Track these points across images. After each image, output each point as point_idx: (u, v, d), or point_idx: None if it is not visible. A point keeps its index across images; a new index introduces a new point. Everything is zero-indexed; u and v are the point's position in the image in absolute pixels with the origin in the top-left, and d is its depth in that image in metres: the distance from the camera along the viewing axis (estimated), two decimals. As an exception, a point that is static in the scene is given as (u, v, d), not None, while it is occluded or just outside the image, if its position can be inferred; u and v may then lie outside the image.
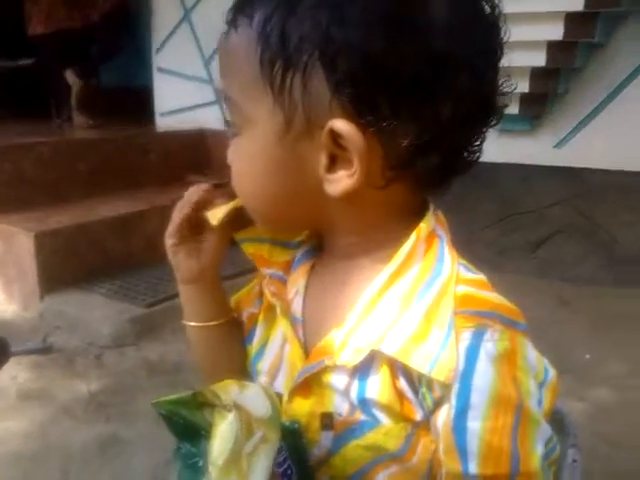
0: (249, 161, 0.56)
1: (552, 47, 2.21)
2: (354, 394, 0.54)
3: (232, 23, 0.53)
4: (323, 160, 0.51)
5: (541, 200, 2.63)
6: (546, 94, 2.41)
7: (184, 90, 3.64)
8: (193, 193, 0.65)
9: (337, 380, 0.55)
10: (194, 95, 3.60)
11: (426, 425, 0.53)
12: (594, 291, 2.51)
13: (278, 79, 0.49)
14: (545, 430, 0.51)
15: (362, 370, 0.53)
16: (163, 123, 3.77)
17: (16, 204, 2.62)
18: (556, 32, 2.16)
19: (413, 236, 0.54)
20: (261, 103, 0.51)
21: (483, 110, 0.51)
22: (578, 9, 2.08)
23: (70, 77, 3.64)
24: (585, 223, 2.60)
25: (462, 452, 0.50)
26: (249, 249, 0.65)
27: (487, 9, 0.50)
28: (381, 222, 0.56)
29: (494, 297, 0.54)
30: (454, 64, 0.48)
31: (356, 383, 0.54)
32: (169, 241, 0.67)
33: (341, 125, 0.48)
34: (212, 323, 0.69)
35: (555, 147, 2.56)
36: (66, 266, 2.46)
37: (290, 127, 0.50)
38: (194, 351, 0.75)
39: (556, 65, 2.26)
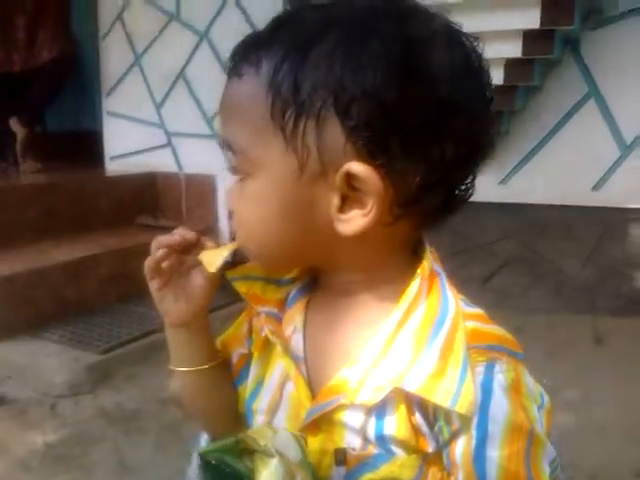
0: (259, 204, 0.56)
1: (494, 91, 2.34)
2: (372, 431, 0.56)
3: (235, 72, 0.55)
4: (335, 201, 0.53)
5: (489, 234, 2.75)
6: (490, 135, 2.55)
7: (134, 134, 3.64)
8: (171, 237, 0.65)
9: (352, 418, 0.56)
10: (145, 139, 3.60)
11: (435, 457, 0.55)
12: (545, 319, 2.61)
13: (290, 125, 0.51)
14: (550, 451, 0.55)
15: (379, 408, 0.55)
16: (113, 167, 3.74)
17: (-37, 251, 2.54)
18: (497, 77, 2.30)
19: (418, 274, 0.57)
20: (272, 148, 0.53)
21: (479, 149, 0.56)
22: (517, 55, 2.22)
23: (14, 125, 3.57)
24: (531, 255, 2.72)
25: (481, 479, 0.52)
26: (242, 288, 0.66)
27: (476, 58, 0.54)
28: (384, 259, 0.59)
29: (497, 330, 0.58)
30: (456, 108, 0.52)
31: (373, 421, 0.56)
32: (152, 285, 0.66)
33: (358, 168, 0.51)
34: (203, 367, 0.69)
35: (500, 184, 2.69)
36: (18, 313, 2.38)
37: (303, 170, 0.53)
38: (183, 396, 0.74)
39: (498, 108, 2.40)
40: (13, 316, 2.37)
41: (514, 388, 0.54)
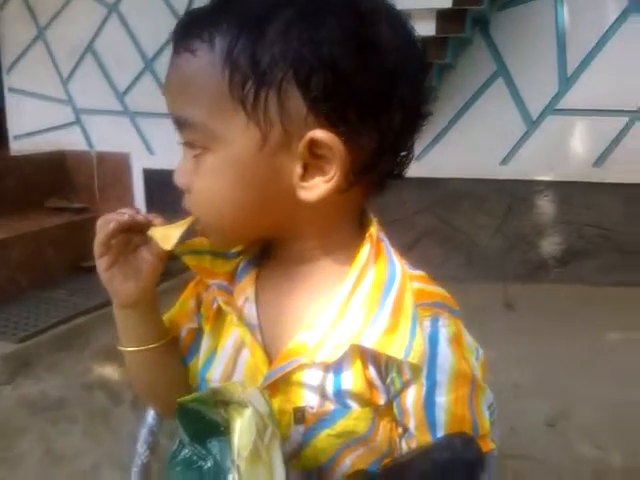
0: (221, 177, 0.57)
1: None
2: (330, 387, 0.59)
3: (184, 48, 0.56)
4: (298, 169, 0.56)
5: (406, 208, 2.85)
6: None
7: (40, 111, 3.45)
8: (121, 214, 0.64)
9: (310, 376, 0.60)
10: (52, 116, 3.42)
11: (386, 409, 0.60)
12: (459, 288, 2.74)
13: (250, 98, 0.53)
14: (489, 396, 0.62)
15: (336, 365, 0.59)
16: (18, 146, 3.53)
17: None
18: (412, 55, 2.37)
19: (367, 240, 0.61)
20: (232, 121, 0.55)
21: (420, 116, 0.60)
22: (431, 34, 2.30)
23: None
24: (445, 228, 2.85)
25: (432, 424, 0.58)
26: (191, 262, 0.67)
27: (413, 32, 0.58)
28: (337, 226, 0.62)
29: (439, 290, 0.63)
30: (402, 78, 0.56)
31: (331, 377, 0.59)
32: (100, 264, 0.65)
33: (322, 135, 0.54)
34: (153, 345, 0.69)
35: (414, 160, 2.78)
36: None
37: (266, 141, 0.55)
38: (131, 374, 0.75)
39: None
40: None
41: (456, 341, 0.59)
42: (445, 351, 0.58)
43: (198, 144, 0.57)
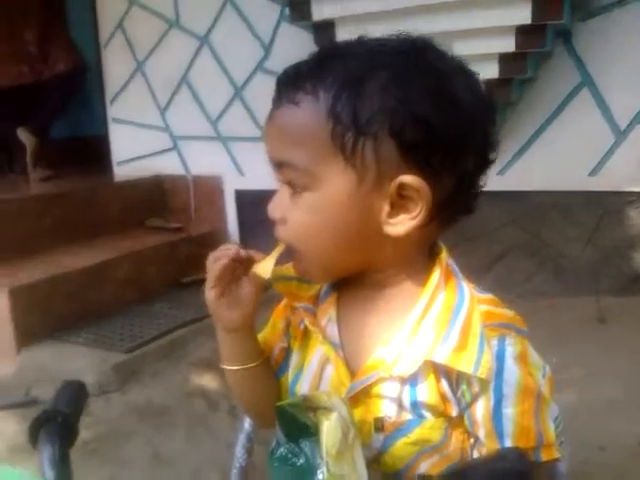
0: (316, 213, 0.66)
1: (489, 84, 2.43)
2: (407, 399, 0.67)
3: (289, 99, 0.65)
4: (386, 207, 0.64)
5: (491, 223, 2.83)
6: (488, 126, 2.64)
7: (141, 138, 3.72)
8: (228, 250, 0.73)
9: (389, 389, 0.67)
10: (151, 143, 3.69)
11: (458, 420, 0.67)
12: (548, 303, 2.71)
13: (349, 146, 0.62)
14: (554, 410, 0.68)
15: (411, 379, 0.66)
16: (121, 171, 3.83)
17: (-15, 261, 2.63)
18: (492, 70, 2.38)
19: (437, 267, 0.69)
20: (331, 165, 0.63)
21: (489, 161, 0.68)
22: (511, 50, 2.31)
23: (22, 135, 3.65)
24: (533, 241, 2.81)
25: (500, 434, 0.64)
26: (280, 287, 0.77)
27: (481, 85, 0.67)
28: (414, 255, 0.70)
29: (506, 312, 0.69)
30: (476, 126, 0.65)
31: (407, 389, 0.67)
32: (210, 294, 0.73)
33: (410, 179, 0.63)
34: (251, 365, 0.78)
35: (498, 174, 2.78)
36: (41, 318, 2.47)
37: (361, 183, 0.64)
38: (233, 389, 0.84)
39: (494, 100, 2.49)
40: (37, 322, 2.47)
41: (522, 358, 0.65)
42: (511, 367, 0.64)
43: (297, 183, 0.66)
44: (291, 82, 0.65)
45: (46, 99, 3.78)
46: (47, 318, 2.50)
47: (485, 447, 0.65)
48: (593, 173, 2.63)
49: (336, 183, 0.64)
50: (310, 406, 0.64)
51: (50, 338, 2.46)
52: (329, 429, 0.61)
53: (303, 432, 0.64)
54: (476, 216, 2.69)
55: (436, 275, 0.68)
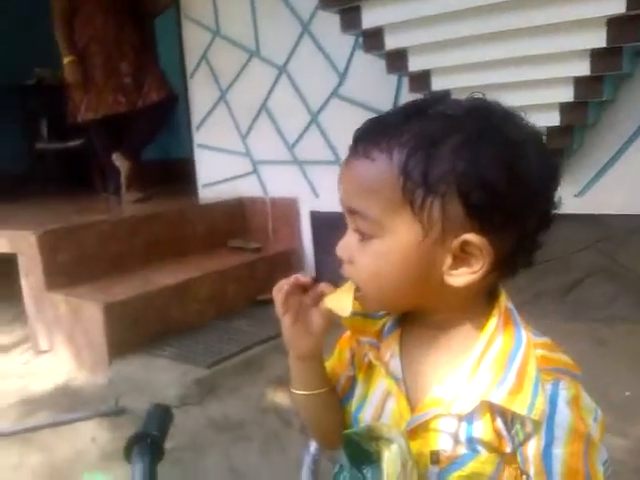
0: (383, 260, 0.71)
1: (565, 108, 2.41)
2: (463, 434, 0.71)
3: (365, 154, 0.70)
4: (448, 260, 0.69)
5: (568, 247, 2.78)
6: (562, 149, 2.60)
7: (223, 163, 3.93)
8: (289, 280, 0.80)
9: (446, 425, 0.72)
10: (233, 167, 3.88)
11: (511, 457, 0.71)
12: (628, 329, 2.62)
13: (419, 202, 0.67)
14: (603, 454, 0.70)
15: (468, 416, 0.71)
16: (205, 194, 4.05)
17: (81, 278, 2.87)
18: (567, 94, 2.37)
19: (496, 311, 0.74)
20: (400, 218, 0.69)
21: (551, 219, 0.73)
22: (586, 73, 2.29)
23: (118, 160, 3.96)
24: (612, 265, 2.73)
25: (549, 473, 0.68)
26: (347, 322, 0.83)
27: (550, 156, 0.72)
28: (474, 301, 0.75)
29: (561, 356, 0.73)
30: (540, 195, 0.70)
31: (464, 426, 0.71)
32: (285, 320, 0.79)
33: (474, 238, 0.68)
34: (319, 391, 0.85)
35: (576, 196, 2.73)
36: (131, 333, 2.67)
37: (427, 236, 0.68)
38: (300, 412, 0.91)
39: (570, 123, 2.46)
40: (127, 336, 2.67)
41: (574, 402, 0.69)
42: (563, 410, 0.68)
43: (366, 231, 0.71)
44: (370, 136, 0.70)
45: (139, 127, 4.07)
46: (136, 332, 2.69)
47: None
48: (676, 196, 2.54)
49: (403, 234, 0.69)
50: (373, 436, 0.70)
51: (138, 351, 2.65)
52: (390, 459, 0.68)
53: (366, 459, 0.70)
54: (553, 239, 2.67)
55: (494, 319, 0.73)
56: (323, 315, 0.79)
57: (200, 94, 3.99)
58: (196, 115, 4.04)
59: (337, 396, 0.88)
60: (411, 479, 0.67)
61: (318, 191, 3.52)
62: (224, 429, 2.18)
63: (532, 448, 0.68)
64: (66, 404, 2.44)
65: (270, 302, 0.81)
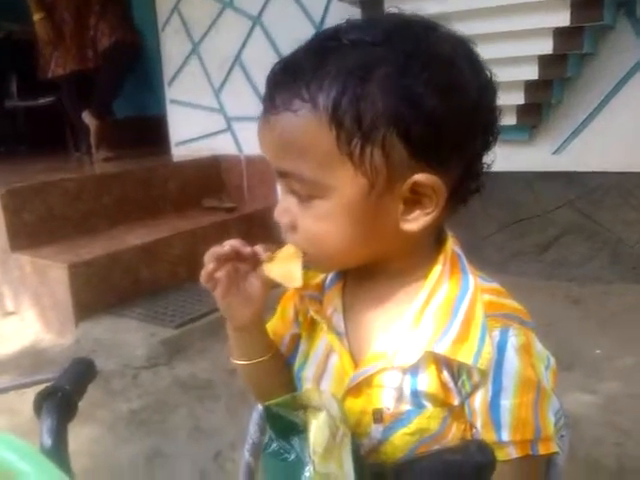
0: (332, 221, 0.64)
1: (543, 61, 2.34)
2: (407, 388, 0.66)
3: (286, 105, 0.60)
4: (400, 206, 0.63)
5: (545, 204, 2.74)
6: (541, 104, 2.53)
7: (196, 120, 3.81)
8: (221, 247, 0.70)
9: (390, 379, 0.67)
10: (206, 124, 3.77)
11: (459, 410, 0.66)
12: (602, 289, 2.61)
13: (357, 152, 0.59)
14: (555, 403, 0.66)
15: (412, 368, 0.66)
16: (178, 152, 3.94)
17: (47, 238, 2.79)
18: (546, 47, 2.28)
19: (441, 257, 0.68)
20: (340, 173, 0.61)
21: (497, 135, 0.66)
22: (566, 24, 2.20)
23: (87, 118, 3.82)
24: (589, 224, 2.70)
25: (497, 425, 0.64)
26: None
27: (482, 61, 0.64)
28: (421, 245, 0.69)
29: (510, 302, 0.68)
30: (481, 109, 0.63)
31: (408, 378, 0.66)
32: (217, 294, 0.71)
33: (424, 178, 0.61)
34: (262, 359, 0.78)
35: (554, 154, 2.68)
36: (98, 294, 2.61)
37: (373, 187, 0.61)
38: (246, 381, 0.84)
39: (548, 77, 2.39)
40: (93, 297, 2.61)
41: (524, 349, 0.64)
42: (512, 358, 0.63)
43: (305, 193, 0.64)
44: (286, 83, 0.61)
45: (99, 80, 3.91)
46: (104, 293, 2.63)
47: (482, 437, 0.65)
48: (655, 153, 2.49)
49: (346, 189, 0.62)
50: (301, 404, 0.65)
51: (106, 312, 2.59)
52: (317, 428, 0.62)
53: (293, 430, 0.65)
54: (530, 197, 2.65)
55: (439, 266, 0.67)
56: (262, 282, 0.72)
57: (172, 47, 3.84)
58: (168, 69, 3.90)
59: (282, 359, 0.82)
60: (342, 448, 0.62)
61: (294, 149, 3.43)
62: (191, 389, 2.15)
63: (479, 399, 0.64)
64: (32, 366, 2.39)
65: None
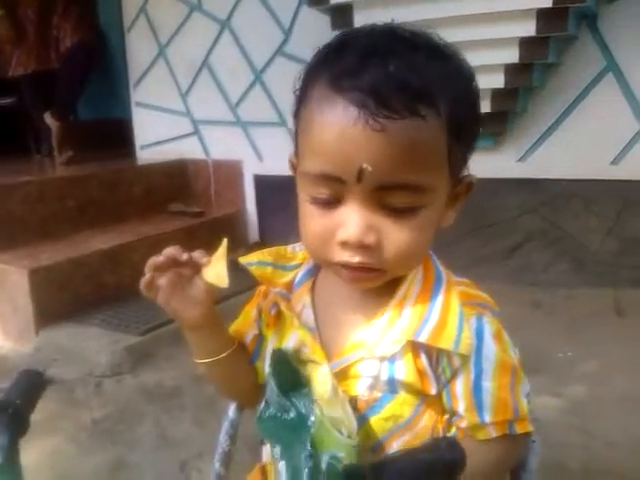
0: (429, 228, 0.65)
1: (509, 70, 2.37)
2: (384, 376, 0.68)
3: (409, 110, 0.57)
4: (448, 203, 0.67)
5: (509, 211, 2.78)
6: (506, 112, 2.57)
7: (163, 123, 3.76)
8: (159, 258, 0.71)
9: (367, 368, 0.68)
10: (173, 127, 3.72)
11: (434, 399, 0.68)
12: (565, 293, 2.66)
13: (453, 154, 0.63)
14: (526, 386, 0.69)
15: (391, 358, 0.67)
16: (144, 155, 3.88)
17: (7, 243, 2.70)
18: (512, 56, 2.32)
19: None
20: (441, 176, 0.63)
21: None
22: (531, 34, 2.24)
23: (49, 119, 3.72)
24: (552, 230, 2.75)
25: (479, 406, 0.66)
26: (257, 272, 0.77)
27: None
28: None
29: (481, 293, 0.72)
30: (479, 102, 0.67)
31: (386, 366, 0.68)
32: (160, 301, 0.73)
33: (474, 179, 0.69)
34: (221, 356, 0.78)
35: (519, 161, 2.73)
36: (60, 300, 2.54)
37: (454, 188, 0.66)
38: (210, 380, 0.85)
39: (514, 86, 2.43)
40: (56, 303, 2.53)
41: (498, 335, 0.68)
42: (490, 343, 0.67)
43: (411, 204, 0.61)
44: (401, 85, 0.57)
45: (61, 81, 3.80)
46: (66, 299, 2.56)
47: (465, 420, 0.67)
48: (615, 162, 2.55)
49: (443, 194, 0.65)
50: (300, 358, 0.69)
51: (68, 319, 2.52)
52: (321, 377, 0.66)
53: (295, 383, 0.67)
54: (495, 203, 2.66)
55: None
56: (205, 285, 0.73)
57: (138, 49, 3.78)
58: (134, 72, 3.84)
59: (245, 356, 0.83)
60: (343, 403, 0.64)
61: (262, 153, 3.41)
62: (157, 398, 2.10)
63: (461, 383, 0.67)
64: (-10, 374, 2.31)
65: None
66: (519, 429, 0.68)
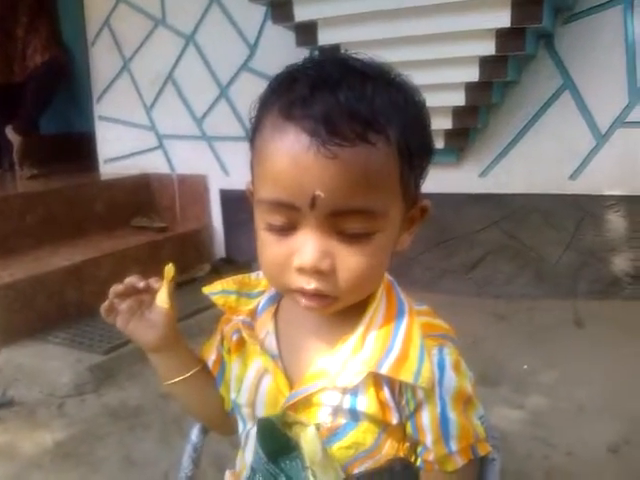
0: (384, 252, 0.66)
1: (470, 87, 2.43)
2: (346, 406, 0.68)
3: (360, 137, 0.58)
4: (403, 227, 0.69)
5: (471, 225, 2.84)
6: (467, 129, 2.63)
7: (126, 137, 3.72)
8: (119, 286, 0.77)
9: (329, 398, 0.69)
10: (136, 141, 3.68)
11: (395, 429, 0.69)
12: (527, 305, 2.72)
13: (405, 179, 0.64)
14: (480, 410, 0.72)
15: (353, 389, 0.68)
16: (107, 170, 3.83)
17: (-35, 260, 2.64)
18: (473, 74, 2.38)
19: (382, 285, 0.72)
20: (394, 201, 0.64)
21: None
22: (491, 53, 2.31)
23: (10, 134, 3.65)
24: (513, 243, 2.82)
25: (446, 437, 0.68)
26: (219, 300, 0.78)
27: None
28: None
29: (441, 323, 0.73)
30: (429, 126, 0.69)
31: (348, 398, 0.68)
32: (119, 326, 0.77)
33: (428, 202, 0.70)
34: (184, 377, 0.81)
35: (480, 176, 2.79)
36: (21, 318, 2.48)
37: (407, 212, 0.67)
38: (179, 401, 0.87)
39: (475, 103, 2.49)
40: (16, 321, 2.47)
41: (457, 366, 0.69)
42: (450, 375, 0.68)
43: (365, 230, 0.62)
44: (350, 111, 0.58)
45: (27, 96, 3.75)
46: (27, 317, 2.50)
47: (432, 453, 0.69)
48: (573, 177, 2.64)
49: (395, 217, 0.65)
50: (287, 422, 0.68)
51: (30, 338, 2.46)
52: (309, 438, 0.66)
53: (283, 448, 0.67)
54: (457, 218, 2.72)
55: (380, 290, 0.71)
56: (164, 308, 0.78)
57: (102, 63, 3.74)
58: (97, 85, 3.79)
59: (211, 378, 0.84)
60: (332, 462, 0.65)
61: (228, 168, 3.41)
62: (121, 417, 2.07)
63: (427, 416, 0.68)
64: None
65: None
66: (481, 451, 0.70)
